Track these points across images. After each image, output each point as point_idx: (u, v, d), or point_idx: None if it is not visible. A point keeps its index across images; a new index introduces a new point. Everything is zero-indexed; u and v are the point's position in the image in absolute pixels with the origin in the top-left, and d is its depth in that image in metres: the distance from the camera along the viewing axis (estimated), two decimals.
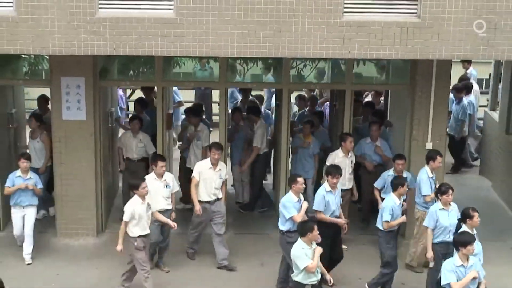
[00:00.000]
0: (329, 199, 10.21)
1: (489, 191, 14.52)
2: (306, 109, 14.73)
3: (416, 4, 9.82)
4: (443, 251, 9.78)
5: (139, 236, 9.85)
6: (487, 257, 9.80)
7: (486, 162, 15.27)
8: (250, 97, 15.74)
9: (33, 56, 11.91)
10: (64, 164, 11.67)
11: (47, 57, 11.53)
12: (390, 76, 12.82)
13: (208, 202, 10.97)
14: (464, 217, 9.42)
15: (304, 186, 10.11)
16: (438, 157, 10.87)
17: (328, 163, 11.39)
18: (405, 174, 11.08)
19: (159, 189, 10.58)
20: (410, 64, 11.57)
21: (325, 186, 10.31)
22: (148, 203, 10.01)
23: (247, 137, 13.15)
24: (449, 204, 9.92)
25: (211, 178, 10.94)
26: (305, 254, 8.88)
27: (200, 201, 10.95)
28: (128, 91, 18.61)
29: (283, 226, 9.99)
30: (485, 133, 15.58)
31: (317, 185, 13.12)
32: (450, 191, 9.85)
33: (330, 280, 9.51)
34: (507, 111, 13.95)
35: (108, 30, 9.76)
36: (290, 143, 12.66)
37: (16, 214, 11.04)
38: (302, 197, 10.09)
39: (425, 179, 10.79)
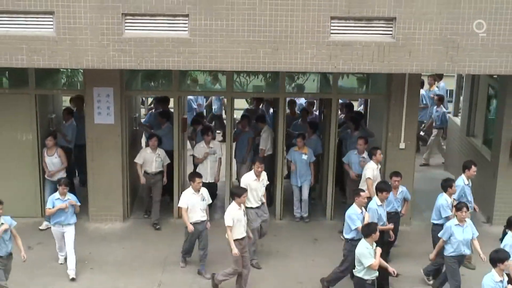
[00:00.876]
0: (381, 212, 9.77)
1: None
2: (299, 120, 13.98)
3: (391, 27, 9.80)
4: (458, 262, 9.44)
5: (235, 240, 9.36)
6: None
7: (450, 160, 15.21)
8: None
9: (69, 70, 11.92)
10: (96, 161, 11.65)
11: (82, 71, 11.54)
12: (369, 87, 12.81)
13: (258, 207, 10.57)
14: (510, 224, 8.96)
15: (366, 200, 9.61)
16: (473, 166, 10.47)
17: (368, 175, 10.77)
18: (400, 189, 10.54)
19: (197, 203, 10.03)
20: (386, 77, 11.56)
21: (376, 200, 9.78)
22: (244, 210, 9.58)
23: (248, 139, 12.94)
24: (464, 220, 9.34)
25: (256, 188, 10.47)
26: (369, 254, 8.55)
27: (249, 208, 10.41)
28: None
29: (348, 235, 9.54)
30: (449, 135, 15.56)
31: (313, 190, 13.03)
32: (465, 209, 9.28)
33: (394, 272, 8.97)
34: (467, 116, 13.92)
35: (133, 48, 9.75)
36: (286, 156, 12.27)
37: (56, 231, 10.29)
38: (363, 209, 9.61)
39: (461, 185, 10.39)
